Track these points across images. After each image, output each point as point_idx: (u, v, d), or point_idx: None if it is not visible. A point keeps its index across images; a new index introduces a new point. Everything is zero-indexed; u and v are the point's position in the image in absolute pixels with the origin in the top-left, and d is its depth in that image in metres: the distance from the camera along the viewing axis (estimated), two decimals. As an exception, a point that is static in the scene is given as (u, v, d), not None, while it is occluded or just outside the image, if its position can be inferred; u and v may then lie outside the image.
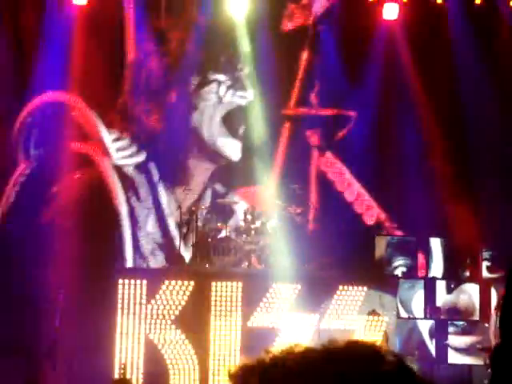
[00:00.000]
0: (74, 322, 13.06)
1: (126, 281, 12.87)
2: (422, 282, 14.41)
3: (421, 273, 14.64)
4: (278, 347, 1.11)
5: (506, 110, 15.26)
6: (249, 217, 13.91)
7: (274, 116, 15.33)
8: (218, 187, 15.50)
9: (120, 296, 12.80)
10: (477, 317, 14.04)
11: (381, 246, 14.57)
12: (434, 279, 14.54)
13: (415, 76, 15.41)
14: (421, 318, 14.33)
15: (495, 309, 12.98)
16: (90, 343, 12.84)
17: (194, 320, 12.81)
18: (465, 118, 15.40)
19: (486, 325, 13.35)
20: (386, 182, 15.38)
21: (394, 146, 15.32)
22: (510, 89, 15.33)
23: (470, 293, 14.45)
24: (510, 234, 14.09)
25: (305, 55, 15.60)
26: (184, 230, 14.49)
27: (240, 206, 14.92)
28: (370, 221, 15.55)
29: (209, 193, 15.37)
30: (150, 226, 15.28)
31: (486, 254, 14.54)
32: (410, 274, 14.52)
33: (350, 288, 13.21)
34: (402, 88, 15.41)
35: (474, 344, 13.57)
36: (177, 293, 12.87)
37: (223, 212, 14.79)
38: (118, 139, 15.30)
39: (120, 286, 12.81)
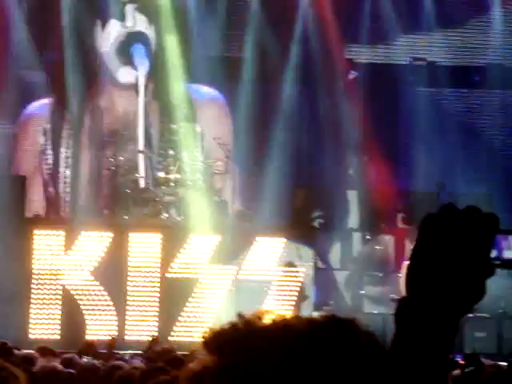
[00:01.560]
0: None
1: (43, 231, 12.73)
2: (339, 233, 14.64)
3: (338, 224, 14.85)
4: (249, 312, 1.12)
5: None
6: (170, 168, 13.83)
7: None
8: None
9: (36, 246, 12.67)
10: (391, 267, 14.34)
11: (299, 197, 14.71)
12: (350, 230, 14.78)
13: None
14: (337, 269, 14.57)
15: (407, 259, 13.26)
16: (6, 293, 12.68)
17: (111, 271, 12.77)
18: None
19: (399, 275, 13.64)
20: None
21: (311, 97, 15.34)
22: None
23: (384, 244, 14.75)
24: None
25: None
26: (103, 181, 14.36)
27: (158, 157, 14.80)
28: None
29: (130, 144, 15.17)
30: (68, 174, 15.03)
31: (400, 206, 14.83)
32: (327, 225, 14.72)
33: (269, 239, 13.31)
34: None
35: (388, 294, 13.87)
36: (95, 243, 12.79)
37: (142, 163, 14.66)
38: None
39: (36, 236, 12.67)
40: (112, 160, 14.13)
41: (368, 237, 14.85)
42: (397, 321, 1.28)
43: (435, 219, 1.34)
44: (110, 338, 11.70)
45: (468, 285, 1.29)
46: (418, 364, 1.20)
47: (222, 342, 1.09)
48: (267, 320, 1.09)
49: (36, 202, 14.55)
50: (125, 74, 14.90)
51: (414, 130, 15.22)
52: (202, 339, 1.11)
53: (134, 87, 14.80)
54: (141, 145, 14.68)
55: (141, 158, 14.28)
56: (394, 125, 15.40)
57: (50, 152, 14.88)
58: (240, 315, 1.12)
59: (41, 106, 14.93)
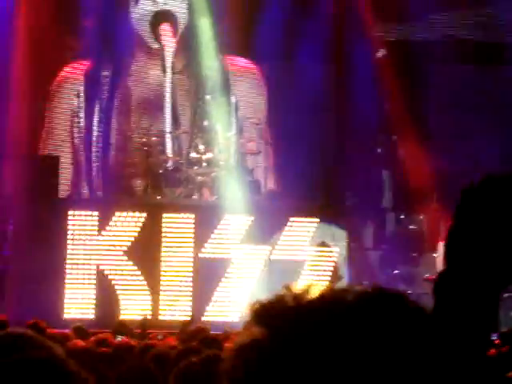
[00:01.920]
0: (23, 252, 12.99)
1: (77, 212, 12.80)
2: (372, 212, 14.58)
3: (371, 203, 14.79)
4: (295, 285, 1.11)
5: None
6: (201, 147, 13.83)
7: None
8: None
9: (70, 227, 12.74)
10: (425, 247, 14.26)
11: (332, 178, 14.64)
12: (384, 210, 14.71)
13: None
14: (371, 249, 14.52)
15: (442, 239, 13.19)
16: (40, 274, 12.79)
17: (145, 251, 12.82)
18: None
19: (434, 255, 13.56)
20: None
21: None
22: None
23: (418, 223, 14.66)
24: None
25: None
26: (136, 162, 14.39)
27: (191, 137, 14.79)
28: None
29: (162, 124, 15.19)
30: (116, 152, 15.05)
31: (434, 185, 14.73)
32: (361, 205, 14.65)
33: (302, 219, 13.29)
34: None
35: (422, 274, 13.80)
36: (128, 224, 12.84)
37: (175, 143, 14.68)
38: None
39: (70, 217, 12.74)
40: (145, 140, 14.15)
41: (402, 216, 14.77)
42: (436, 294, 1.25)
43: (475, 190, 1.30)
44: (143, 317, 11.77)
45: (508, 256, 1.26)
46: (458, 339, 1.18)
47: (271, 314, 1.08)
48: (315, 292, 1.09)
49: (66, 170, 14.53)
50: (155, 44, 14.96)
51: (445, 107, 15.08)
52: (251, 311, 1.09)
53: (162, 64, 14.82)
54: (168, 125, 14.69)
55: (168, 139, 14.27)
56: (426, 103, 15.26)
57: (82, 115, 14.89)
58: (288, 287, 1.10)
59: (77, 68, 14.94)
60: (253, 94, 15.42)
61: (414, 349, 1.06)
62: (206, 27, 14.86)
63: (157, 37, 14.89)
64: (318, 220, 13.28)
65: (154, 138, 14.30)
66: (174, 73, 14.89)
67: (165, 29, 14.90)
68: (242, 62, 15.37)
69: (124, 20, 14.85)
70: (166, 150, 14.35)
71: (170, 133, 14.53)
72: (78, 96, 14.70)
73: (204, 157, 13.72)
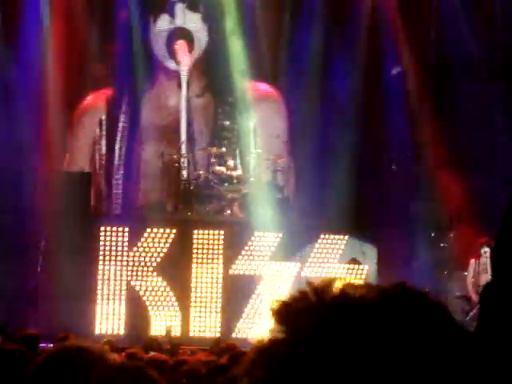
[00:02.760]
0: (55, 267, 13.09)
1: (108, 227, 12.88)
2: (403, 230, 14.51)
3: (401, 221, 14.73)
4: (309, 283, 1.09)
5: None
6: (232, 163, 13.87)
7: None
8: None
9: (102, 243, 12.82)
10: (456, 265, 14.19)
11: (361, 195, 14.62)
12: (415, 228, 14.64)
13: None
14: (401, 266, 14.43)
15: (473, 258, 13.11)
16: (72, 289, 12.87)
17: (175, 267, 12.86)
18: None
19: (465, 273, 13.49)
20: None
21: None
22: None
23: (449, 242, 14.59)
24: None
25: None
26: (167, 178, 14.45)
27: (222, 155, 14.84)
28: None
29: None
30: (137, 178, 15.15)
31: (466, 205, 14.65)
32: (391, 222, 14.60)
33: (332, 236, 13.27)
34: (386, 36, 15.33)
35: (453, 291, 13.74)
36: (159, 240, 12.89)
37: (205, 160, 14.73)
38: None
39: (102, 233, 12.82)
40: (175, 157, 14.22)
41: (432, 234, 14.71)
42: (482, 304, 1.24)
43: None
44: (167, 330, 11.78)
45: None
46: (503, 348, 1.16)
47: (292, 311, 1.07)
48: (337, 288, 1.08)
49: None
50: (173, 65, 15.06)
51: (475, 126, 15.02)
52: (271, 310, 1.09)
53: (178, 82, 14.92)
54: (183, 141, 14.74)
55: (184, 157, 14.31)
56: (457, 121, 15.21)
57: (103, 142, 15.00)
58: (309, 283, 1.09)
59: (99, 96, 15.06)
60: (276, 116, 15.46)
61: (436, 347, 1.05)
62: (235, 51, 14.91)
63: (172, 54, 14.99)
64: (347, 237, 13.26)
65: (184, 155, 14.38)
66: (192, 97, 14.98)
67: (180, 45, 14.99)
68: (262, 87, 15.41)
69: (145, 45, 14.97)
70: (200, 166, 14.42)
71: (183, 153, 14.46)
72: (100, 124, 14.83)
73: (234, 174, 13.76)
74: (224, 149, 14.38)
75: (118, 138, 15.02)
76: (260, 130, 15.15)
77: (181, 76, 14.95)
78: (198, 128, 15.20)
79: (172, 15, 15.04)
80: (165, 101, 15.23)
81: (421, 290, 1.09)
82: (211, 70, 15.25)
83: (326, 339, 1.04)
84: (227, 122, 15.04)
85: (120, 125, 15.01)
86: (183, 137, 14.85)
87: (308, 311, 1.06)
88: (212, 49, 15.18)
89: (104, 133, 14.99)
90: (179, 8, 15.06)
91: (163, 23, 15.09)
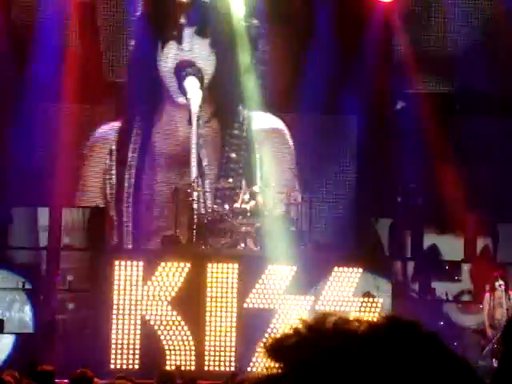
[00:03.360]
0: (70, 303, 13.13)
1: (123, 262, 12.91)
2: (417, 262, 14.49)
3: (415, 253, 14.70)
4: (307, 316, 1.10)
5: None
6: (245, 197, 13.92)
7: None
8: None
9: (116, 277, 12.85)
10: (471, 298, 14.14)
11: (376, 228, 14.63)
12: (428, 260, 14.62)
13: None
14: (415, 299, 14.40)
15: (488, 291, 13.06)
16: (87, 323, 12.90)
17: (190, 301, 12.87)
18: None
19: (480, 306, 13.43)
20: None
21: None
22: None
23: (464, 274, 14.54)
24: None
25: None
26: (179, 212, 14.50)
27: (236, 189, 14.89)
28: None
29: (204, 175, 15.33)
30: (146, 207, 15.25)
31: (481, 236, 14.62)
32: (403, 254, 14.58)
33: (346, 269, 13.26)
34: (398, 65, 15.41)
35: (468, 325, 13.68)
36: (173, 274, 12.91)
37: (220, 194, 14.78)
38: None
39: (116, 267, 12.86)
40: (189, 191, 14.28)
41: (446, 267, 14.68)
42: (505, 341, 1.25)
43: None
44: (176, 367, 11.76)
45: None
46: None
47: (285, 348, 1.08)
48: (329, 324, 1.09)
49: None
50: (181, 98, 15.13)
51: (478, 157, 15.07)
52: (264, 347, 1.10)
53: (189, 115, 14.96)
54: (193, 175, 14.79)
55: (195, 190, 14.34)
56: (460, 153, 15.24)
57: (114, 172, 15.08)
58: (302, 320, 1.11)
59: (109, 128, 15.17)
60: (282, 150, 15.51)
61: (426, 378, 1.05)
62: (248, 85, 15.00)
63: (183, 91, 15.06)
64: (361, 270, 13.24)
65: (198, 189, 14.45)
66: (199, 125, 15.03)
67: (191, 82, 15.05)
68: (271, 119, 15.45)
69: (151, 74, 15.03)
70: (214, 200, 14.48)
71: (194, 184, 14.48)
72: (111, 154, 14.91)
73: (248, 206, 13.79)
74: (241, 183, 14.43)
75: (128, 168, 15.08)
76: (271, 163, 15.21)
77: (191, 113, 15.01)
78: (207, 160, 15.26)
79: (180, 41, 15.10)
80: (174, 130, 15.31)
81: (412, 321, 1.10)
82: (218, 97, 15.33)
83: (319, 374, 1.05)
84: (234, 155, 15.12)
85: (129, 155, 15.10)
86: (194, 173, 14.90)
87: (301, 346, 1.07)
88: (219, 75, 15.25)
89: (114, 163, 15.06)
90: (187, 33, 15.14)
91: (171, 49, 15.18)
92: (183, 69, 15.03)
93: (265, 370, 1.09)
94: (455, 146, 15.22)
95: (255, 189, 14.10)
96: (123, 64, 15.17)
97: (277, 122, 15.51)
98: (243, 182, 14.38)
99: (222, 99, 15.24)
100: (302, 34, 15.33)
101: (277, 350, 1.07)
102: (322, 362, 1.05)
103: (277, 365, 1.08)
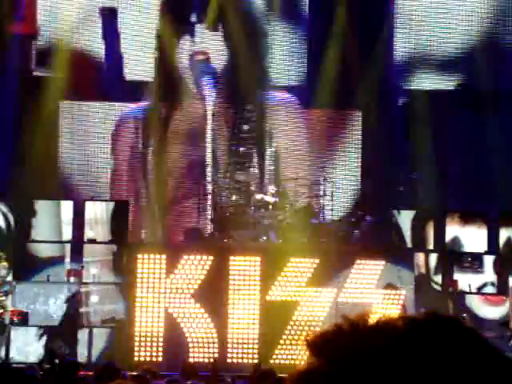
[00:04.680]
0: (95, 296, 13.21)
1: (146, 255, 12.97)
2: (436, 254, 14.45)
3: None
4: (351, 315, 1.11)
5: None
6: (270, 190, 13.93)
7: None
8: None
9: (139, 270, 12.92)
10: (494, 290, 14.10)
11: (399, 220, 14.59)
12: (453, 252, 14.56)
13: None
14: (439, 292, 14.36)
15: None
16: (111, 316, 12.97)
17: (212, 294, 12.91)
18: None
19: (504, 298, 13.39)
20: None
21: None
22: None
23: (487, 266, 14.49)
24: None
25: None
26: (202, 206, 14.55)
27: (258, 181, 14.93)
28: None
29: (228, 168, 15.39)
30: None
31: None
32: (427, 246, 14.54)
33: (368, 262, 13.25)
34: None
35: (496, 317, 13.64)
36: (195, 267, 12.96)
37: (242, 187, 14.80)
38: None
39: (139, 261, 12.92)
40: (210, 184, 14.34)
41: (469, 259, 14.62)
42: None
43: None
44: (213, 360, 11.81)
45: None
46: None
47: (327, 344, 1.08)
48: (371, 321, 1.09)
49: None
50: (196, 91, 15.43)
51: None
52: (306, 341, 1.10)
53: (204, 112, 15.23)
54: (209, 168, 14.92)
55: (209, 184, 14.46)
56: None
57: (139, 147, 15.39)
58: (345, 317, 1.11)
59: (136, 108, 15.48)
60: (292, 126, 15.64)
61: (470, 373, 1.06)
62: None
63: (200, 88, 15.26)
64: (384, 262, 13.23)
65: (222, 180, 14.50)
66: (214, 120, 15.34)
67: (207, 81, 15.25)
68: (280, 95, 15.65)
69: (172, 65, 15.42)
70: (236, 192, 14.53)
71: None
72: (137, 132, 15.16)
73: (270, 200, 13.81)
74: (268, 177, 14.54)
75: (150, 146, 15.37)
76: (293, 156, 15.27)
77: (207, 107, 15.22)
78: (222, 153, 15.46)
79: (192, 36, 15.42)
80: (191, 116, 15.56)
81: (453, 317, 1.11)
82: (231, 84, 15.56)
83: (358, 369, 1.05)
84: (242, 148, 15.31)
85: (152, 133, 15.42)
86: (210, 166, 15.08)
87: (342, 342, 1.08)
88: (231, 65, 15.45)
89: (139, 140, 15.46)
90: (199, 29, 15.40)
91: (184, 44, 15.44)
92: (198, 66, 15.26)
93: (305, 363, 1.09)
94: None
95: (273, 184, 14.15)
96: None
97: (289, 96, 15.66)
98: (265, 176, 14.45)
99: (234, 87, 15.43)
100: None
101: (318, 345, 1.08)
102: (363, 362, 1.06)
103: (317, 360, 1.08)
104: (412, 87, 15.72)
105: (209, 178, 14.75)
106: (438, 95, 15.51)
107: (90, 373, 8.16)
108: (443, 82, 15.69)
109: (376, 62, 15.21)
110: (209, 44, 15.55)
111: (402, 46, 15.68)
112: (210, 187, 14.41)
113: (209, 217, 14.48)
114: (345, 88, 15.09)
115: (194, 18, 15.39)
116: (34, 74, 15.44)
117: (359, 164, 15.55)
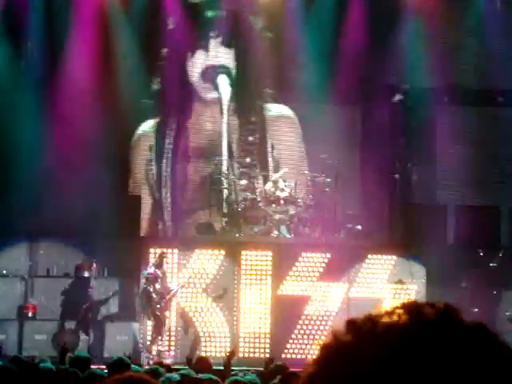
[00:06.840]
0: (107, 290, 13.27)
1: (158, 250, 13.01)
2: (452, 249, 14.44)
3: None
4: (370, 311, 1.13)
5: None
6: (280, 185, 13.96)
7: None
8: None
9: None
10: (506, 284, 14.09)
11: (410, 215, 14.60)
12: (463, 247, 14.57)
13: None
14: (450, 286, 14.36)
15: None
16: (123, 310, 13.03)
17: (224, 288, 12.95)
18: None
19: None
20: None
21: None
22: None
23: (498, 260, 14.48)
24: None
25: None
26: (213, 200, 14.59)
27: (269, 176, 14.96)
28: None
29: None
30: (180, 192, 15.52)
31: None
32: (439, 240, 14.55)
33: (379, 256, 13.26)
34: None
35: (503, 311, 13.63)
36: (207, 261, 13.00)
37: (253, 182, 14.84)
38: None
39: (152, 255, 12.96)
40: (222, 179, 14.38)
41: (481, 253, 14.62)
42: None
43: None
44: (228, 353, 11.85)
45: None
46: None
47: (360, 324, 1.10)
48: (388, 319, 1.09)
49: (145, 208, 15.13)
50: (209, 94, 15.68)
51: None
52: (345, 322, 1.11)
53: (219, 107, 15.59)
54: (224, 166, 15.05)
55: (224, 179, 14.56)
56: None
57: (153, 164, 15.63)
58: (377, 307, 1.11)
59: (148, 125, 15.61)
60: (290, 136, 15.76)
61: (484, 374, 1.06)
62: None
63: (216, 87, 15.54)
64: (395, 257, 13.24)
65: (232, 177, 14.54)
66: (229, 115, 15.68)
67: (222, 79, 15.47)
68: (277, 108, 15.81)
69: (184, 79, 15.81)
70: (247, 187, 14.59)
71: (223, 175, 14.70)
72: (150, 149, 15.64)
73: (282, 195, 13.83)
74: (282, 171, 14.63)
75: (165, 160, 15.51)
76: (303, 153, 15.37)
77: (223, 105, 15.49)
78: (236, 147, 15.65)
79: (206, 50, 15.76)
80: (201, 126, 15.87)
81: (459, 316, 1.12)
82: (238, 95, 15.74)
83: (385, 352, 1.07)
84: (251, 138, 15.55)
85: (165, 147, 15.79)
86: (225, 159, 15.20)
87: (373, 326, 1.09)
88: (239, 76, 15.83)
89: (153, 155, 15.70)
90: (214, 43, 15.78)
91: (199, 58, 15.72)
92: (215, 69, 15.64)
93: (335, 336, 1.10)
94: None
95: (280, 176, 14.22)
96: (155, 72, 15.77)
97: (288, 111, 15.81)
98: (281, 169, 14.58)
99: (242, 95, 15.70)
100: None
101: (352, 324, 1.09)
102: (392, 344, 1.07)
103: (348, 335, 1.10)
104: None
105: (224, 170, 14.89)
106: None
107: (103, 366, 8.20)
108: None
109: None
110: (223, 59, 15.82)
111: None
112: (224, 181, 14.48)
113: (220, 211, 14.52)
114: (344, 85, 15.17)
115: (212, 33, 15.75)
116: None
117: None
